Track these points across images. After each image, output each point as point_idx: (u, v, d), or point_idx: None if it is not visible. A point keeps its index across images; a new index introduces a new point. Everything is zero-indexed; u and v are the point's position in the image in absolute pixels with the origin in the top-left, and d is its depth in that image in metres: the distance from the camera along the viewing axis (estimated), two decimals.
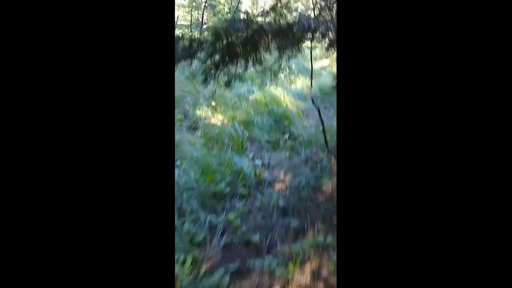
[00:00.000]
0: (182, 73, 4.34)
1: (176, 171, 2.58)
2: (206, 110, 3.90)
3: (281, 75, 5.13)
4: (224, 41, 1.52)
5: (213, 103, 3.92)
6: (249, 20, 1.51)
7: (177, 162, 2.81)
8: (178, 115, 3.78)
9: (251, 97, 4.41)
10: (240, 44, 1.56)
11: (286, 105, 4.15)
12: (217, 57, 1.66)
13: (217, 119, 3.80)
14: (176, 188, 2.37)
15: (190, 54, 1.57)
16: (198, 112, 3.91)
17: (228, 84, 1.80)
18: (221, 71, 1.72)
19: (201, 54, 1.66)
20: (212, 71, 1.67)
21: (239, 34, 1.53)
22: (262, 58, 1.76)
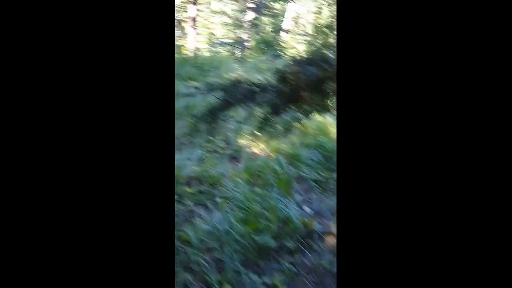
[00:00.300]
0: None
1: (218, 214, 2.33)
2: (248, 139, 3.65)
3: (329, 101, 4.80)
4: (289, 87, 1.25)
5: (255, 132, 3.67)
6: (322, 61, 1.23)
7: (218, 200, 2.57)
8: (219, 143, 3.57)
9: (296, 125, 4.11)
10: (306, 90, 1.29)
11: (335, 136, 3.80)
12: (276, 102, 1.39)
13: (260, 149, 3.54)
14: (215, 236, 2.11)
15: (249, 98, 1.31)
16: (239, 140, 3.68)
17: (285, 133, 1.53)
18: (278, 117, 1.45)
19: (259, 98, 1.39)
20: (269, 119, 1.40)
21: (309, 78, 1.25)
22: (329, 103, 1.48)
